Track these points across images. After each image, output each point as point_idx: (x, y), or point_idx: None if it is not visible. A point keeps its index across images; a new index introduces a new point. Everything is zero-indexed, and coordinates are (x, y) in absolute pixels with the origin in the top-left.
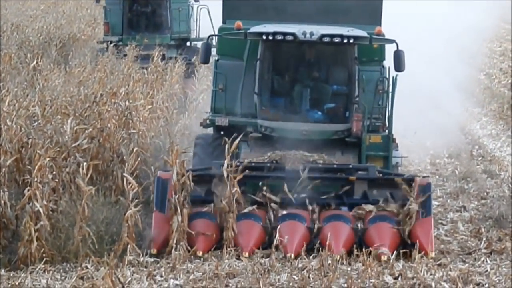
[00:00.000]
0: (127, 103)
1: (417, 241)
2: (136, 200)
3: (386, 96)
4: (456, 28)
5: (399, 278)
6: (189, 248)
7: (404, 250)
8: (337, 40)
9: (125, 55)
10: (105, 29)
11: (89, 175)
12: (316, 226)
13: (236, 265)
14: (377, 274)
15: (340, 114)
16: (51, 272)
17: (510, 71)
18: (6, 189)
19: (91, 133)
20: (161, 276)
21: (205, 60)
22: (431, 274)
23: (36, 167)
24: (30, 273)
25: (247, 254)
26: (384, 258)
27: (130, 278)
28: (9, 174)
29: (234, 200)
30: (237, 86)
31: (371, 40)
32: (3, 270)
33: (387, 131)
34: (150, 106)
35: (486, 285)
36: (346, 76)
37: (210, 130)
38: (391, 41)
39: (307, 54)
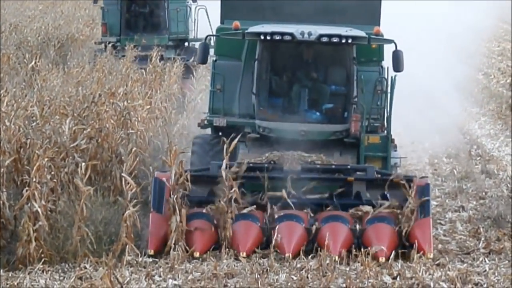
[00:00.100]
0: (125, 103)
1: (416, 242)
2: (135, 200)
3: (385, 97)
4: (454, 28)
5: (398, 278)
6: (187, 248)
7: (402, 251)
8: (335, 40)
9: (123, 56)
10: (103, 29)
11: (87, 175)
12: (314, 227)
13: (234, 265)
14: (376, 274)
15: (339, 114)
16: (49, 272)
17: (508, 70)
18: (4, 189)
19: (90, 133)
20: (160, 276)
21: (203, 61)
22: (429, 274)
23: (35, 167)
24: (28, 273)
25: (244, 254)
26: (382, 259)
27: (128, 278)
28: (8, 174)
29: (232, 201)
30: (235, 86)
31: (369, 40)
32: (1, 271)
33: (385, 131)
34: (148, 106)
35: (485, 285)
36: (344, 76)
37: (208, 131)
38: (390, 41)
39: (305, 54)
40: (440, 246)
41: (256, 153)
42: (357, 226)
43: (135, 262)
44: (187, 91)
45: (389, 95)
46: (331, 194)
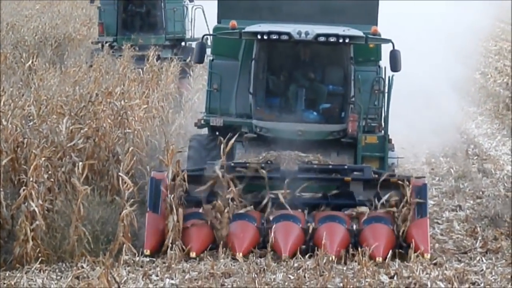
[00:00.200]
0: (122, 102)
1: (413, 242)
2: (132, 200)
3: (382, 96)
4: (451, 27)
5: (395, 278)
6: (184, 248)
7: (400, 250)
8: (332, 39)
9: (120, 56)
10: (100, 29)
11: (84, 175)
12: (311, 227)
13: (231, 264)
14: (373, 274)
15: (336, 114)
16: (46, 271)
17: (505, 70)
18: (1, 189)
19: (87, 133)
20: (157, 276)
21: (200, 60)
22: (426, 274)
23: (32, 167)
24: (25, 273)
25: (241, 255)
26: (379, 259)
27: (125, 278)
28: (5, 173)
29: (230, 200)
30: (232, 86)
31: (366, 39)
32: None
33: (383, 131)
34: (145, 106)
35: (482, 284)
36: (341, 76)
37: (205, 130)
38: (387, 40)
39: (302, 54)
40: (437, 245)
41: (253, 153)
42: (354, 226)
43: (132, 261)
44: (184, 90)
45: (386, 95)
46: (324, 194)
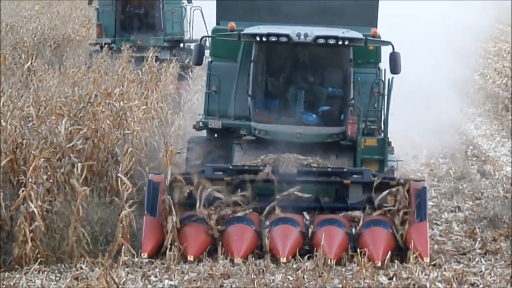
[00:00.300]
0: (121, 103)
1: (412, 245)
2: (131, 201)
3: (382, 99)
4: (451, 28)
5: (394, 279)
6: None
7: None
8: (331, 42)
9: (120, 56)
10: (98, 31)
11: (83, 176)
12: (310, 230)
13: (230, 265)
14: (372, 275)
15: (335, 117)
16: (45, 272)
17: (504, 71)
18: (0, 190)
19: (86, 134)
20: (156, 277)
21: (198, 62)
22: (425, 275)
23: (31, 168)
24: (24, 274)
25: (239, 259)
26: (378, 263)
27: (124, 279)
28: (4, 174)
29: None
30: (231, 88)
31: (366, 42)
32: None
33: (382, 134)
34: (144, 107)
35: (481, 286)
36: (341, 78)
37: (204, 132)
38: (387, 43)
39: (301, 56)
40: (436, 246)
41: (251, 156)
42: (353, 230)
43: (131, 262)
44: (183, 91)
45: (386, 97)
46: (316, 197)
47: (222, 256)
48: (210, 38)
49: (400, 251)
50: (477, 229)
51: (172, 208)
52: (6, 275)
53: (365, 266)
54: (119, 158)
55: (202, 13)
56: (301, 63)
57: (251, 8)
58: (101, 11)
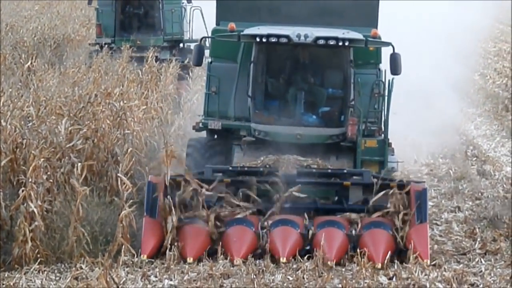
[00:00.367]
0: (121, 103)
1: (412, 247)
2: (131, 201)
3: (382, 100)
4: (451, 28)
5: (394, 279)
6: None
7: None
8: (332, 42)
9: (120, 56)
10: (98, 31)
11: (83, 176)
12: (310, 232)
13: (230, 266)
14: (372, 275)
15: (335, 118)
16: (45, 272)
17: (504, 71)
18: (0, 190)
19: (86, 134)
20: (156, 277)
21: (198, 62)
22: (425, 275)
23: (31, 168)
24: (24, 274)
25: (239, 261)
26: (378, 265)
27: (124, 279)
28: (4, 174)
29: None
30: (231, 89)
31: (366, 42)
32: None
33: (382, 135)
34: (144, 107)
35: (481, 286)
36: (341, 79)
37: (203, 133)
38: (387, 44)
39: (301, 56)
40: (436, 246)
41: (251, 157)
42: (353, 232)
43: (131, 262)
44: (183, 91)
45: (386, 98)
46: (314, 200)
47: (222, 256)
48: (210, 39)
49: (400, 253)
50: (477, 229)
51: (172, 208)
52: (6, 275)
53: (365, 266)
54: (119, 158)
55: (201, 13)
56: (301, 64)
57: (251, 8)
58: (101, 11)
